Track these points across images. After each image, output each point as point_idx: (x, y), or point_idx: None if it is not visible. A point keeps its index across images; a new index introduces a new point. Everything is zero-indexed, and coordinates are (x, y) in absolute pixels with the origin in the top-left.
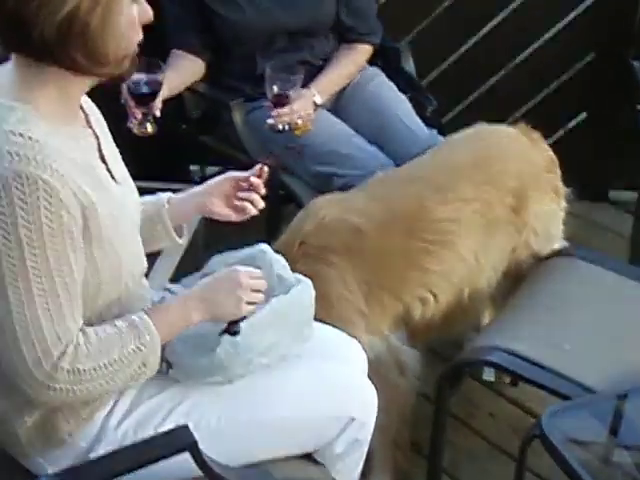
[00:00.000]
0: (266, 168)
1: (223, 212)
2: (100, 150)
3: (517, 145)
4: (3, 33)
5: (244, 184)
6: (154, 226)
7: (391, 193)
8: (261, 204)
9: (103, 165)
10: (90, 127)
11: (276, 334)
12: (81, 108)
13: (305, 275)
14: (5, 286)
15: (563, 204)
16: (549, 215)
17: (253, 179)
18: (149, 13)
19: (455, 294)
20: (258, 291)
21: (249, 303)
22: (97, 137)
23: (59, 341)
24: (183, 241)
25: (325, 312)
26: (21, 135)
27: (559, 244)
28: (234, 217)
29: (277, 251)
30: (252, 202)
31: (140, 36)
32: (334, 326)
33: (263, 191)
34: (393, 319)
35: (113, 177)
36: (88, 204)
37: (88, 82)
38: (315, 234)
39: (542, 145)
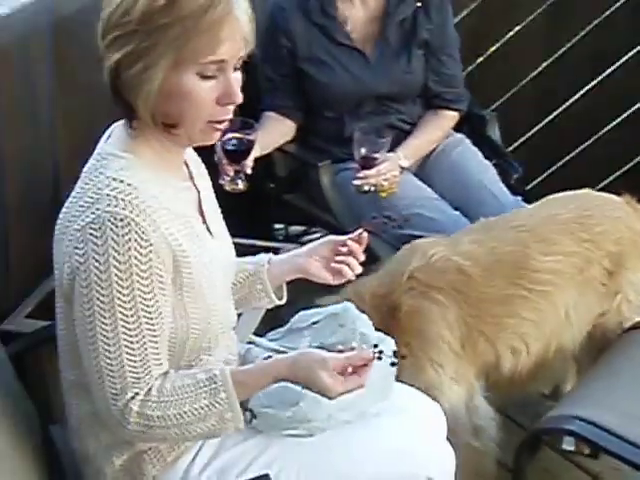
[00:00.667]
0: (365, 234)
1: (321, 275)
2: (200, 204)
3: (620, 211)
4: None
5: (343, 248)
6: (253, 285)
7: (495, 238)
8: (358, 269)
9: (201, 218)
10: (192, 182)
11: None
12: (185, 164)
13: (408, 309)
14: (94, 322)
15: None
16: None
17: (351, 244)
18: (234, 96)
19: (544, 347)
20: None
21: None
22: (198, 192)
23: (137, 382)
24: (283, 301)
25: (421, 348)
26: (121, 181)
27: None
28: (331, 280)
29: (378, 279)
30: (349, 266)
31: (222, 115)
32: (419, 388)
33: (362, 257)
34: (482, 367)
35: (209, 230)
36: (179, 251)
37: (184, 141)
38: (423, 270)
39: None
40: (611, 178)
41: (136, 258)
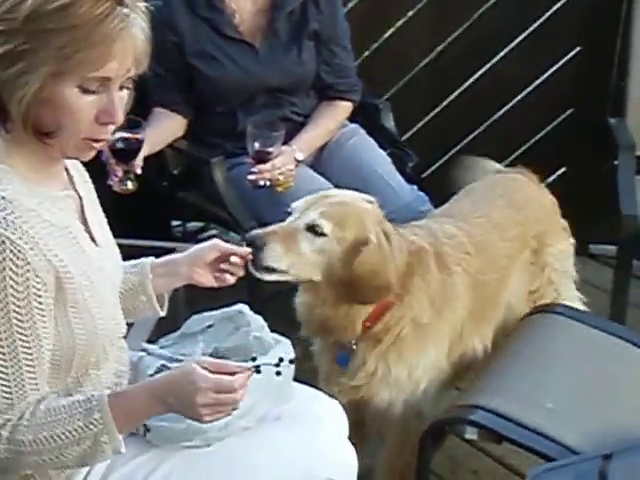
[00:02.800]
0: (250, 253)
1: (209, 281)
2: (82, 212)
3: (532, 190)
4: None
5: (226, 255)
6: (137, 297)
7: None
8: (241, 273)
9: (83, 227)
10: (73, 188)
11: (255, 396)
12: (65, 169)
13: None
14: None
15: (571, 239)
16: (564, 253)
17: (234, 259)
18: (114, 117)
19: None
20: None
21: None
22: (80, 199)
23: (11, 408)
24: (164, 312)
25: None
26: None
27: (574, 278)
28: (215, 284)
29: None
30: (231, 273)
31: (101, 135)
32: (316, 387)
33: (241, 273)
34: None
35: (93, 239)
36: (60, 267)
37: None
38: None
39: (543, 188)
40: (502, 165)
41: (11, 279)
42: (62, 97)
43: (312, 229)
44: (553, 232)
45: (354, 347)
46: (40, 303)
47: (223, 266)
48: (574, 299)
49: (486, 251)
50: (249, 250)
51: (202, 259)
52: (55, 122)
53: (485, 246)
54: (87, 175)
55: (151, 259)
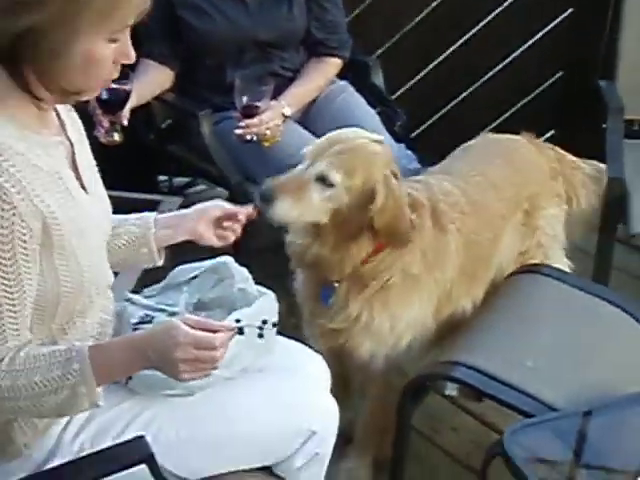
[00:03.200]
0: (255, 214)
1: (210, 238)
2: (73, 159)
3: (529, 152)
4: None
5: (230, 215)
6: (139, 248)
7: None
8: (239, 233)
9: (73, 174)
10: (65, 134)
11: (238, 346)
12: (58, 116)
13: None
14: None
15: (565, 207)
16: (556, 217)
17: (241, 217)
18: (130, 56)
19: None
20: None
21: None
22: (72, 144)
23: None
24: (161, 262)
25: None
26: None
27: (563, 244)
28: (217, 244)
29: None
30: (233, 231)
31: (115, 74)
32: (300, 341)
33: (239, 232)
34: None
35: (83, 187)
36: (48, 213)
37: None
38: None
39: (547, 152)
40: (492, 126)
41: None
42: (97, 53)
43: (321, 179)
44: (547, 196)
45: (335, 284)
46: (25, 248)
47: (226, 224)
48: (562, 264)
49: (481, 211)
50: (251, 209)
51: (206, 216)
52: (86, 77)
53: (480, 206)
54: (79, 121)
55: (154, 213)
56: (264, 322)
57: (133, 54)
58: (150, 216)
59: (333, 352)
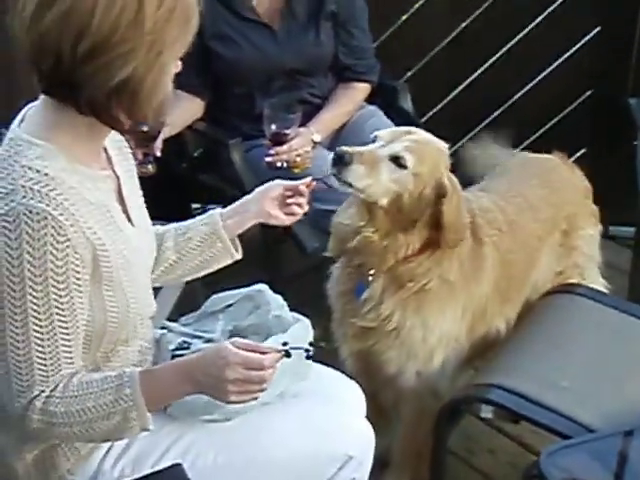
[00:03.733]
0: (314, 183)
1: (279, 216)
2: (120, 192)
3: (565, 172)
4: (51, 85)
5: (291, 191)
6: (213, 244)
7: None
8: (306, 207)
9: (120, 207)
10: (112, 168)
11: (283, 369)
12: (105, 149)
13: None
14: (4, 317)
15: (600, 227)
16: (592, 237)
17: (302, 188)
18: (179, 65)
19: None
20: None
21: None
22: (118, 178)
23: (45, 380)
24: (240, 255)
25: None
26: (38, 171)
27: (598, 264)
28: (286, 221)
29: None
30: (300, 205)
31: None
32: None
33: (307, 207)
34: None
35: (130, 220)
36: (98, 245)
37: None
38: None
39: (578, 172)
40: (523, 146)
41: (52, 254)
42: (170, 78)
43: (396, 160)
44: (584, 216)
45: (369, 279)
46: (78, 279)
47: (290, 201)
48: (599, 284)
49: (518, 230)
50: (309, 180)
51: (268, 195)
52: (160, 103)
53: (517, 225)
54: (130, 155)
55: (218, 210)
56: (311, 344)
57: (180, 62)
58: (215, 212)
59: (361, 359)
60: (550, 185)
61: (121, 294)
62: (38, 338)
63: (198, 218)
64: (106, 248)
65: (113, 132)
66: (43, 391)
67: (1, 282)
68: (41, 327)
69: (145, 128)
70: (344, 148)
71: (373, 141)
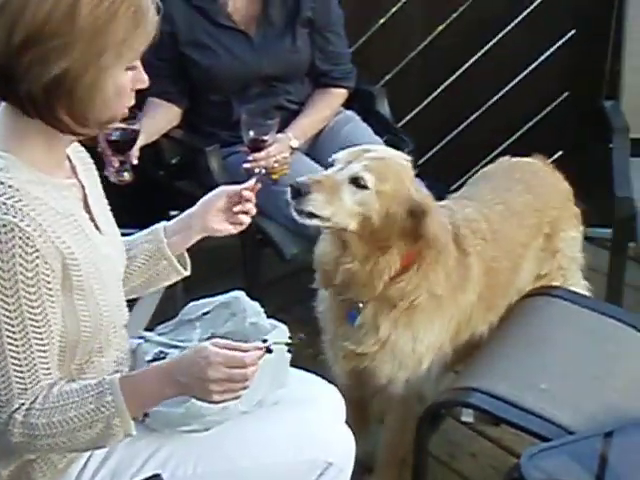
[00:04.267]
0: (259, 185)
1: (225, 228)
2: (86, 201)
3: (548, 176)
4: None
5: (236, 198)
6: (158, 262)
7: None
8: (254, 211)
9: (87, 215)
10: (76, 177)
11: (267, 367)
12: (68, 158)
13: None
14: None
15: (581, 228)
16: (574, 239)
17: (246, 192)
18: (145, 81)
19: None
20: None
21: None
22: (83, 187)
23: (24, 392)
24: (188, 272)
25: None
26: (2, 183)
27: (581, 266)
28: (233, 231)
29: None
30: (246, 212)
31: (132, 101)
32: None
33: (254, 211)
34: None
35: (97, 227)
36: (67, 254)
37: (73, 136)
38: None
39: (559, 175)
40: (499, 149)
41: (21, 265)
42: (119, 82)
43: (355, 181)
44: (567, 219)
45: (360, 306)
46: (49, 289)
47: (236, 209)
48: (581, 285)
49: (502, 239)
50: (253, 182)
51: (213, 207)
52: (112, 109)
53: (502, 234)
54: (91, 162)
55: (163, 223)
56: (290, 338)
57: (147, 78)
58: (159, 227)
59: (353, 375)
60: (534, 190)
61: (93, 302)
62: (13, 351)
63: (142, 233)
64: (75, 257)
65: (75, 144)
66: (23, 404)
67: None
68: (16, 339)
69: (117, 136)
70: (300, 179)
71: (331, 164)
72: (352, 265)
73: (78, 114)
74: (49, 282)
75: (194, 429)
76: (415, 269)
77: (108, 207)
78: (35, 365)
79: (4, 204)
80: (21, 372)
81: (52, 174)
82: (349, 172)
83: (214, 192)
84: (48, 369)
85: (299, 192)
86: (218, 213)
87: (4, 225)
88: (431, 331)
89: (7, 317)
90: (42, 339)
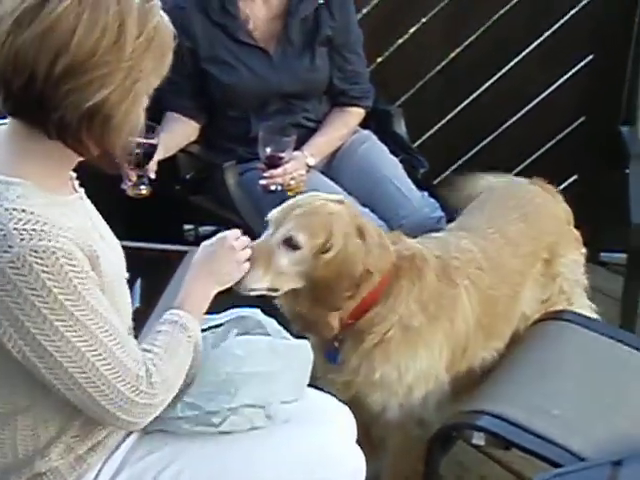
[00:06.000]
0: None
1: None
2: (87, 211)
3: (544, 201)
4: (21, 105)
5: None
6: None
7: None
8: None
9: (91, 224)
10: (76, 190)
11: (273, 365)
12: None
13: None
14: (75, 345)
15: (583, 249)
16: (575, 262)
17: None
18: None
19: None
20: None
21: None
22: (82, 198)
23: (138, 363)
24: None
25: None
26: (24, 211)
27: (585, 287)
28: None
29: None
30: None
31: (140, 127)
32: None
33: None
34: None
35: (101, 235)
36: (93, 258)
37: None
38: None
39: (559, 198)
40: (515, 172)
41: (77, 278)
42: (141, 110)
43: (288, 242)
44: (565, 243)
45: (336, 344)
46: (96, 284)
47: None
48: (586, 307)
49: (499, 268)
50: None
51: None
52: (131, 135)
53: (498, 262)
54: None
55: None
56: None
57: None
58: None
59: (350, 404)
60: (529, 217)
61: (116, 308)
62: (111, 341)
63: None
64: (100, 262)
65: None
66: (147, 369)
67: (46, 319)
68: (105, 329)
69: (135, 150)
70: None
71: (265, 227)
72: (302, 311)
73: (106, 141)
74: (95, 279)
75: (209, 424)
76: (384, 302)
77: (99, 215)
78: (128, 340)
79: (34, 231)
80: (124, 350)
81: (60, 193)
82: (280, 235)
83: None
84: (134, 342)
85: None
86: None
87: (44, 251)
88: (416, 361)
89: (89, 319)
90: (117, 321)
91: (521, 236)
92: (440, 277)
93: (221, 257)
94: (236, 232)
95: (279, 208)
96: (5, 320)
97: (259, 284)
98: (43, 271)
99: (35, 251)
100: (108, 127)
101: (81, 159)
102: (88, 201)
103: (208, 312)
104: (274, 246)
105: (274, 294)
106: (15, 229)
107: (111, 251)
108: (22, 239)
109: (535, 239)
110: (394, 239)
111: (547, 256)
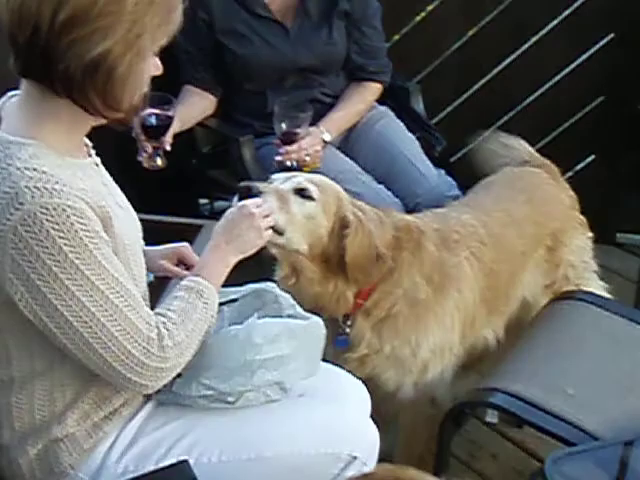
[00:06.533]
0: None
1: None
2: (102, 177)
3: (550, 186)
4: (28, 60)
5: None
6: None
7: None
8: None
9: (107, 190)
10: (91, 156)
11: (289, 346)
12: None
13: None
14: (85, 304)
15: (589, 233)
16: (581, 247)
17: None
18: (159, 67)
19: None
20: (267, 215)
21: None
22: (97, 165)
23: (150, 326)
24: None
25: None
26: (35, 170)
27: (594, 271)
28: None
29: None
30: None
31: (146, 88)
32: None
33: None
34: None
35: (117, 202)
36: (106, 219)
37: (97, 120)
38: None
39: (563, 183)
40: (536, 147)
41: (87, 236)
42: (146, 67)
43: (300, 192)
44: (570, 229)
45: (348, 324)
46: (109, 245)
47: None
48: (598, 288)
49: (501, 244)
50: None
51: (165, 256)
52: (136, 92)
53: (501, 239)
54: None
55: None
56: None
57: (161, 65)
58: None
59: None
60: (535, 202)
61: (128, 267)
62: (122, 302)
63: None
64: (113, 224)
65: None
66: (159, 333)
67: (57, 278)
68: (116, 290)
69: (151, 121)
70: (247, 183)
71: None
72: (313, 289)
73: (111, 96)
74: (108, 240)
75: (224, 401)
76: (388, 278)
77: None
78: (140, 302)
79: (45, 189)
80: (136, 312)
81: (74, 156)
82: (292, 183)
83: (175, 246)
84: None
85: (250, 193)
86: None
87: (54, 209)
88: (430, 335)
89: (99, 278)
90: (129, 282)
91: (526, 219)
92: (439, 247)
93: (241, 224)
94: (257, 200)
95: (282, 173)
96: (17, 279)
97: (274, 215)
98: (53, 228)
99: (46, 208)
100: (112, 80)
101: (94, 124)
102: (104, 169)
103: (227, 284)
104: (286, 190)
105: (278, 239)
106: (27, 187)
107: (128, 218)
108: (33, 196)
109: (539, 224)
110: (386, 213)
111: (550, 243)
